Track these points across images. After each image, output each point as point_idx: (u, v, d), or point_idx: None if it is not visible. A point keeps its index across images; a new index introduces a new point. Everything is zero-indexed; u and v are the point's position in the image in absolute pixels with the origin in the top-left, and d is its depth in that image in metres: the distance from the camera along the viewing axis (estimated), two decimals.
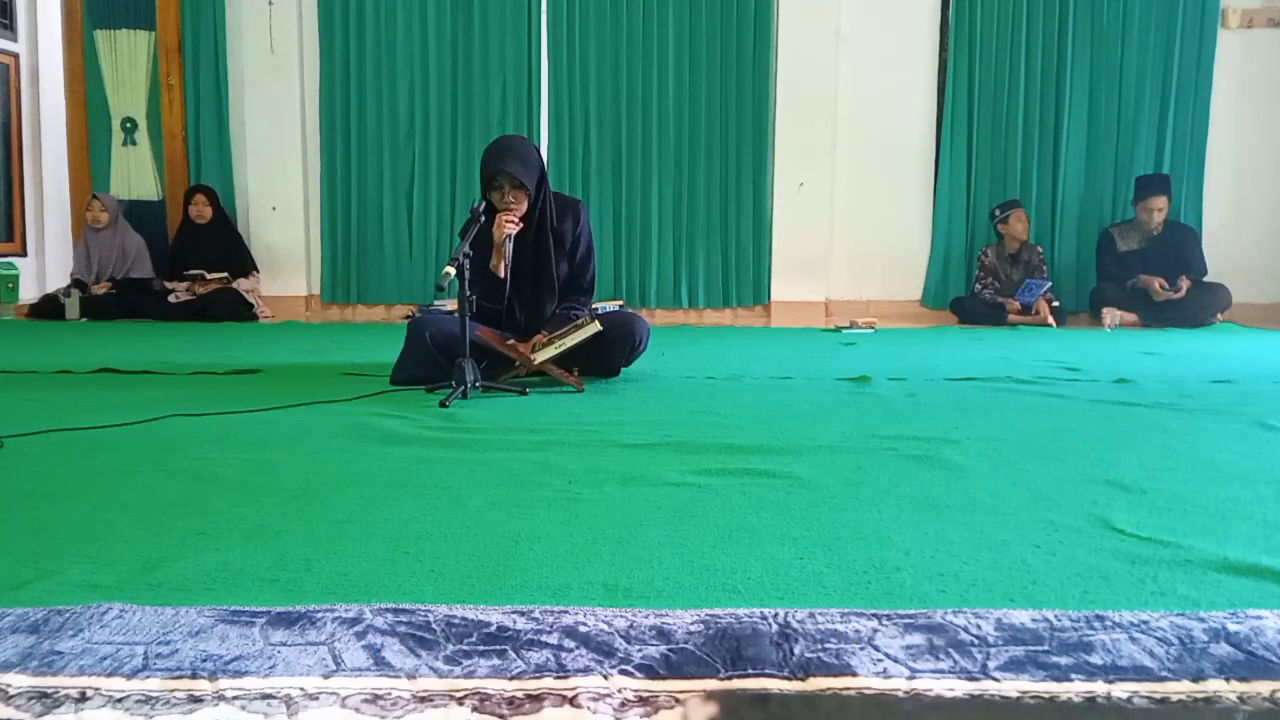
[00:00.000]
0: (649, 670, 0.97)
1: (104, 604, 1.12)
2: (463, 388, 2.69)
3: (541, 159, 3.18)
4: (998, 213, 5.74)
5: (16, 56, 8.22)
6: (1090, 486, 1.75)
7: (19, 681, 0.95)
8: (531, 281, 3.13)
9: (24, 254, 8.24)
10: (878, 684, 0.95)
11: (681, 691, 0.93)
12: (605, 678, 0.95)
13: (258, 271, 5.91)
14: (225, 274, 5.65)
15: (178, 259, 5.76)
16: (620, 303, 5.90)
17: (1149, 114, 5.86)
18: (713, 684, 0.94)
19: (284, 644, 1.03)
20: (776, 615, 1.09)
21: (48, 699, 0.92)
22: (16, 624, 1.08)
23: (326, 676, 0.96)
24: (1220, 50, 5.82)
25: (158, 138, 6.09)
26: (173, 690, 0.93)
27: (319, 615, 1.10)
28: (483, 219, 2.93)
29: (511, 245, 3.02)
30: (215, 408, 2.55)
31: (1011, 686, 0.95)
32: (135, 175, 6.14)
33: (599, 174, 6.12)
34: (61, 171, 8.28)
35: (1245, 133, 5.89)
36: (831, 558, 1.36)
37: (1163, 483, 1.79)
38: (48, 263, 8.47)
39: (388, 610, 1.11)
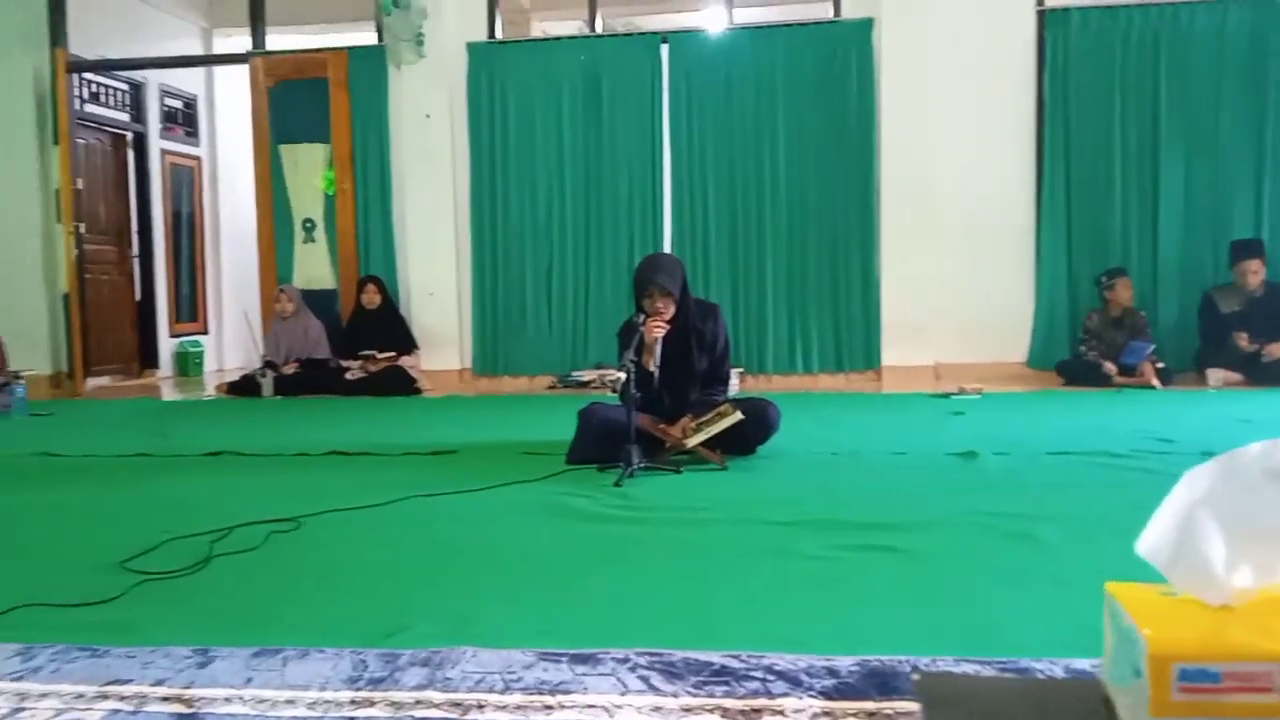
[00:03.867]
0: (827, 695, 1.50)
1: (463, 647, 1.71)
2: (630, 469, 3.27)
3: (684, 271, 3.78)
4: (1104, 279, 6.05)
5: (199, 160, 9.44)
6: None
7: (438, 698, 1.54)
8: (678, 373, 3.72)
9: (205, 332, 9.39)
10: None
11: (850, 710, 1.46)
12: (799, 699, 1.49)
13: (418, 349, 6.71)
14: (393, 353, 6.45)
15: (351, 340, 6.60)
16: (740, 370, 6.45)
17: (1244, 180, 6.12)
18: (869, 704, 1.47)
19: (585, 674, 1.60)
20: (910, 660, 1.60)
21: (459, 707, 1.51)
22: (412, 660, 1.68)
23: (622, 695, 1.53)
24: None
25: (333, 235, 7.00)
26: (531, 703, 1.51)
27: (600, 656, 1.67)
28: (640, 327, 3.53)
29: (660, 345, 3.62)
30: (434, 486, 3.19)
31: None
32: (314, 267, 7.06)
33: (717, 253, 6.72)
34: (237, 261, 9.39)
35: None
36: (944, 617, 1.86)
37: None
38: (225, 341, 9.60)
39: (645, 653, 1.67)
